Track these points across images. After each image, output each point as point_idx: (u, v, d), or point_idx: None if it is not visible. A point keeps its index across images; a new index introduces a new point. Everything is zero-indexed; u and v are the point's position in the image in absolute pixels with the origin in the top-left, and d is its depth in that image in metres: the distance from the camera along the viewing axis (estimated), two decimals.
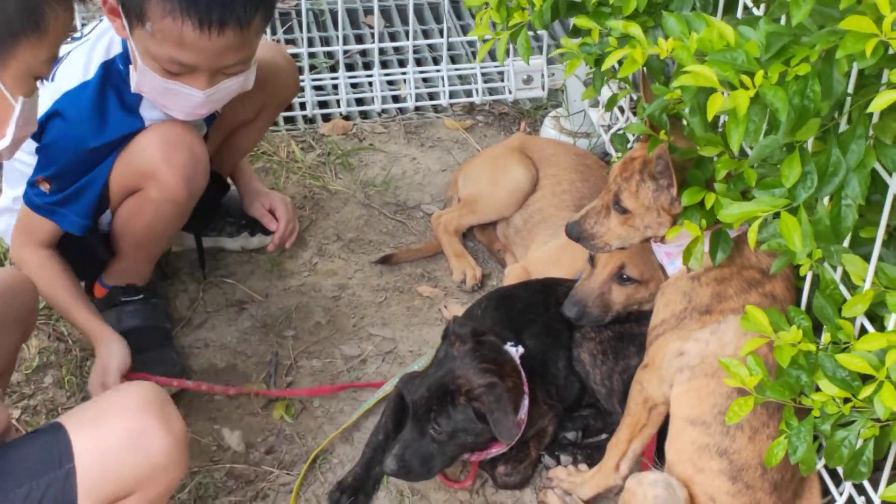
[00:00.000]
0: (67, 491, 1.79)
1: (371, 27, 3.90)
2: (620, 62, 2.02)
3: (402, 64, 3.70)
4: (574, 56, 2.45)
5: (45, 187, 2.39)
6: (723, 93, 1.58)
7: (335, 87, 3.57)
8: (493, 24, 2.66)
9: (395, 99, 3.61)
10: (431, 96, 3.63)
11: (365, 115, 3.57)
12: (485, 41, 2.68)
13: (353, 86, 3.61)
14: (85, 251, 2.55)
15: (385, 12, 4.01)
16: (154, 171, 2.37)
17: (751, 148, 2.11)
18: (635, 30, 1.75)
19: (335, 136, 3.43)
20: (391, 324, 2.84)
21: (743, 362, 1.95)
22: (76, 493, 1.79)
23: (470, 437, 2.28)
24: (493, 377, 2.25)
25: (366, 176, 3.31)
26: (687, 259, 2.15)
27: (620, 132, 3.07)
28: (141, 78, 2.29)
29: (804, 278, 2.13)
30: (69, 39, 2.42)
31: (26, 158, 2.46)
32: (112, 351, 2.44)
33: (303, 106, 3.50)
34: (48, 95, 2.33)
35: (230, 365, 2.72)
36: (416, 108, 3.59)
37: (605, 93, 3.08)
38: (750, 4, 2.23)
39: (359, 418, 2.57)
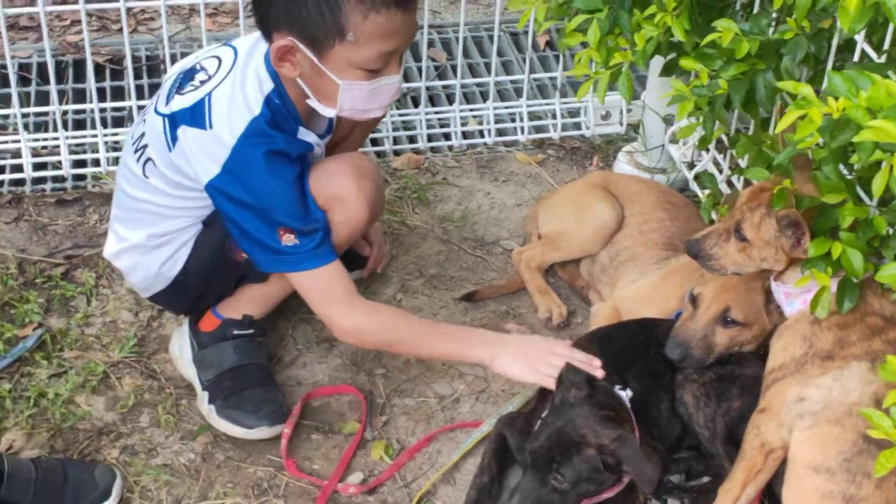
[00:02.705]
0: None
1: (434, 60, 3.91)
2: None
3: (475, 98, 3.71)
4: (685, 99, 2.45)
5: (290, 239, 2.39)
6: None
7: (402, 122, 3.59)
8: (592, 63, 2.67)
9: (468, 135, 3.61)
10: (503, 132, 3.63)
11: (435, 149, 3.56)
12: (583, 79, 2.69)
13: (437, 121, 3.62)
14: (219, 278, 2.58)
15: (445, 45, 4.03)
16: (346, 196, 2.46)
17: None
18: (806, 90, 1.74)
19: (409, 170, 3.43)
20: None
21: (873, 410, 1.94)
22: None
23: (593, 486, 2.26)
24: (617, 427, 2.23)
25: (442, 211, 3.30)
26: (814, 308, 2.14)
27: (706, 170, 3.07)
28: (345, 95, 2.35)
29: None
30: (196, 83, 2.42)
31: (160, 199, 2.49)
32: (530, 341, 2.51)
33: (375, 142, 3.50)
34: (217, 147, 2.35)
35: (324, 404, 2.70)
36: (485, 143, 3.59)
37: (682, 123, 3.09)
38: (869, 50, 2.24)
39: (458, 459, 2.55)
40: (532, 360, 2.44)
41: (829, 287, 2.13)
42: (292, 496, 2.48)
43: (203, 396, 2.63)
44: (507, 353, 2.45)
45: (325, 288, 2.44)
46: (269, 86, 2.40)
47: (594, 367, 2.41)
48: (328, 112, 2.41)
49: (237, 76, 2.41)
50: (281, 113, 2.41)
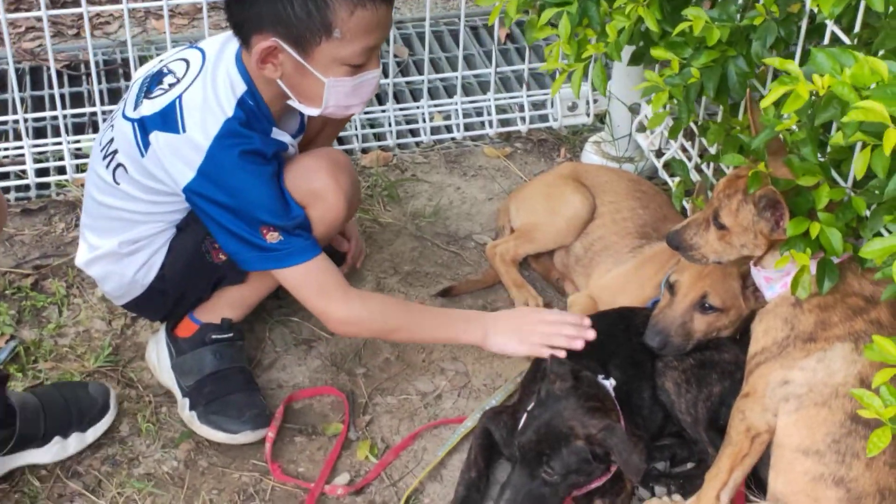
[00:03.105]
0: None
1: (397, 56, 3.89)
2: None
3: (439, 94, 3.70)
4: (660, 89, 2.46)
5: (274, 236, 2.37)
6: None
7: (369, 120, 3.57)
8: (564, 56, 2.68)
9: (434, 130, 3.60)
10: (470, 126, 3.62)
11: (403, 145, 3.55)
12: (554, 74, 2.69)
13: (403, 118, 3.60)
14: (196, 282, 2.56)
15: (406, 40, 4.01)
16: (323, 191, 2.45)
17: (856, 179, 2.15)
18: (792, 66, 1.75)
19: (378, 167, 3.41)
20: (461, 357, 2.82)
21: (863, 391, 1.96)
22: None
23: (582, 476, 2.27)
24: (604, 417, 2.24)
25: (414, 207, 3.29)
26: (795, 288, 2.16)
27: (676, 158, 3.09)
28: (330, 92, 2.35)
29: None
30: (164, 86, 2.39)
31: (131, 205, 2.47)
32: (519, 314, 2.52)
33: (342, 141, 3.49)
34: (191, 150, 2.33)
35: (306, 406, 2.68)
36: (452, 138, 3.58)
37: (649, 112, 3.11)
38: (839, 32, 2.26)
39: (444, 455, 2.55)
40: (524, 334, 2.45)
41: (808, 267, 2.15)
42: (279, 500, 2.46)
43: (184, 403, 2.60)
44: (498, 331, 2.46)
45: (316, 281, 2.42)
46: (241, 87, 2.38)
47: (585, 327, 2.43)
48: (312, 111, 2.40)
49: (207, 78, 2.38)
50: (254, 114, 2.39)
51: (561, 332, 2.44)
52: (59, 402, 2.50)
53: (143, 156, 2.39)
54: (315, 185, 2.46)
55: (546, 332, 2.42)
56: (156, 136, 2.35)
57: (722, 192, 2.29)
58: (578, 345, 2.42)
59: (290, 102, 2.41)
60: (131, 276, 2.55)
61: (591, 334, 2.42)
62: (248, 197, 2.33)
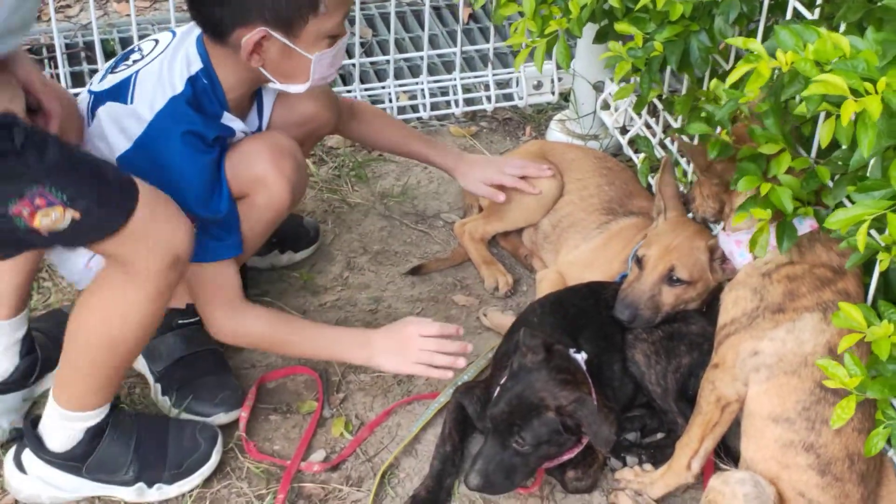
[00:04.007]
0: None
1: (362, 37, 3.90)
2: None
3: (403, 73, 3.71)
4: (622, 60, 2.49)
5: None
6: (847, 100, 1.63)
7: None
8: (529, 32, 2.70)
9: (400, 110, 3.61)
10: (436, 106, 3.63)
11: None
12: (518, 49, 2.72)
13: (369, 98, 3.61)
14: None
15: (370, 21, 4.02)
16: (264, 177, 2.42)
17: (821, 149, 2.19)
18: (755, 45, 1.78)
19: (344, 147, 3.42)
20: None
21: (830, 360, 2.01)
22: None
23: (553, 447, 2.31)
24: (574, 389, 2.28)
25: (382, 187, 3.31)
26: (753, 247, 2.20)
27: (641, 135, 3.13)
28: (315, 67, 2.37)
29: (871, 274, 2.20)
30: (129, 62, 2.39)
31: None
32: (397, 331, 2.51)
33: None
34: (133, 122, 2.32)
35: (280, 385, 2.70)
36: (419, 118, 3.59)
37: (613, 89, 3.14)
38: (801, 7, 2.30)
39: (418, 431, 2.58)
40: (402, 351, 2.46)
41: (767, 227, 2.19)
42: (255, 478, 2.48)
43: (156, 388, 2.60)
44: (381, 350, 2.47)
45: (215, 285, 2.42)
46: (197, 66, 2.37)
47: (463, 348, 2.49)
48: (298, 89, 2.40)
49: (167, 56, 2.39)
50: (206, 94, 2.38)
51: (443, 349, 2.46)
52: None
53: (89, 125, 2.39)
54: (256, 171, 2.44)
55: (428, 349, 2.45)
56: (104, 107, 2.36)
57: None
58: (461, 363, 2.47)
59: (271, 86, 2.42)
60: (84, 263, 2.50)
61: (470, 348, 2.49)
62: (175, 178, 2.29)
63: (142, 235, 2.09)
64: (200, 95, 2.37)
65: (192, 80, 2.35)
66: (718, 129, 2.28)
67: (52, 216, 1.98)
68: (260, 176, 2.45)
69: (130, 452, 2.37)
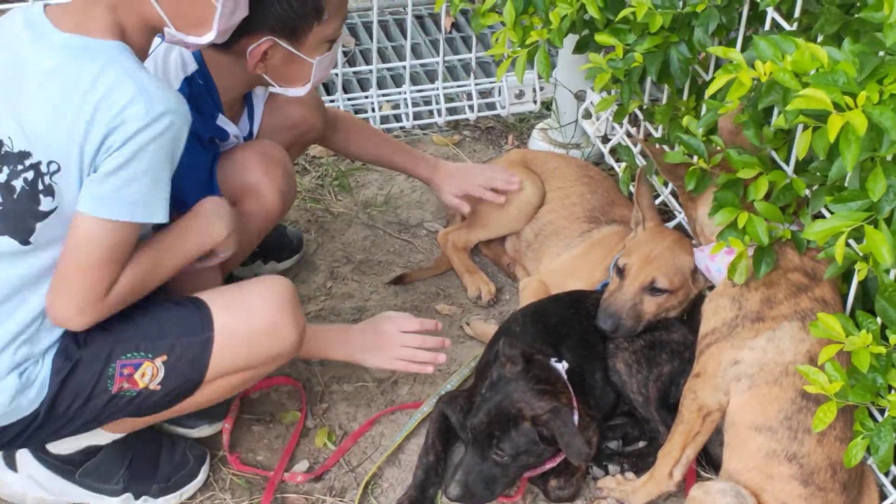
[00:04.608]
0: (202, 356, 2.16)
1: (345, 46, 3.91)
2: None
3: (386, 83, 3.73)
4: (602, 71, 2.51)
5: None
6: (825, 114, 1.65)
7: None
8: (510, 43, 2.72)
9: (384, 119, 3.62)
10: (419, 115, 3.64)
11: None
12: (500, 60, 2.73)
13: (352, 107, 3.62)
14: None
15: (352, 30, 4.03)
16: (256, 185, 2.45)
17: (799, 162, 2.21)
18: (735, 55, 1.80)
19: (327, 157, 3.43)
20: None
21: (809, 367, 2.03)
22: (209, 360, 2.16)
23: (532, 458, 2.32)
24: (552, 399, 2.29)
25: (365, 196, 3.31)
26: (732, 274, 2.22)
27: (622, 144, 3.14)
28: (317, 69, 2.40)
29: (850, 282, 2.22)
30: None
31: None
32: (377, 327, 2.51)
33: None
34: None
35: (263, 396, 2.70)
36: (402, 127, 3.60)
37: (595, 99, 3.16)
38: (779, 19, 2.32)
39: (401, 441, 2.58)
40: (382, 347, 2.47)
41: (745, 254, 2.21)
42: (238, 489, 2.48)
43: None
44: (358, 347, 2.48)
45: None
46: (192, 67, 2.39)
47: (437, 329, 2.50)
48: (299, 92, 2.43)
49: (159, 56, 2.39)
50: (203, 95, 2.41)
51: (423, 344, 2.48)
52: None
53: None
54: (247, 179, 2.47)
55: (409, 345, 2.47)
56: None
57: None
58: (442, 359, 2.49)
59: (272, 90, 2.46)
60: None
61: (448, 342, 2.52)
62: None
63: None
64: (197, 96, 2.38)
65: (188, 81, 2.37)
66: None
67: (147, 374, 2.14)
68: (251, 184, 2.47)
69: (125, 464, 2.38)
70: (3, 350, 2.07)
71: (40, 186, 2.01)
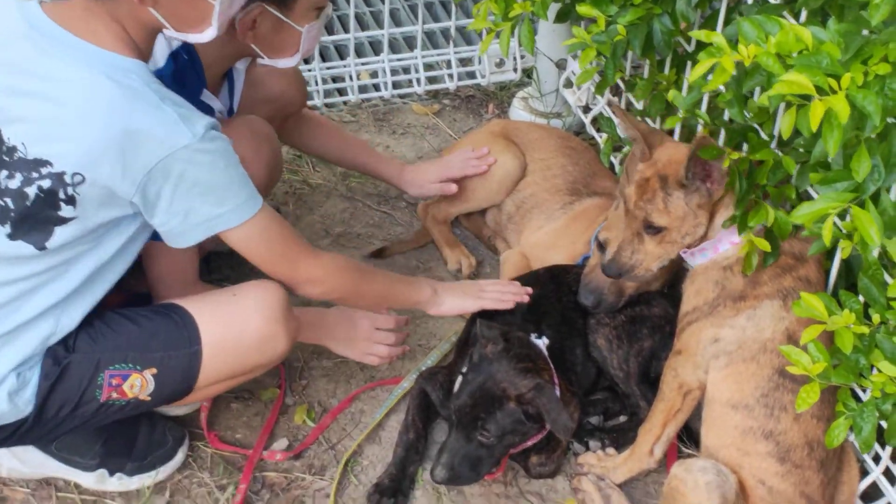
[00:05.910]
0: (191, 368, 2.17)
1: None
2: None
3: (364, 51, 3.67)
4: (587, 46, 2.47)
5: None
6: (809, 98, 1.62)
7: None
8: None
9: (362, 88, 3.57)
10: (398, 84, 3.60)
11: (330, 104, 3.52)
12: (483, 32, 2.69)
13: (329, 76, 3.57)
14: None
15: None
16: (243, 160, 2.35)
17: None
18: (719, 39, 1.76)
19: None
20: None
21: (791, 347, 2.02)
22: (198, 372, 2.17)
23: (517, 437, 2.31)
24: (535, 377, 2.27)
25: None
26: (748, 268, 2.19)
27: (603, 115, 3.11)
28: (305, 38, 2.39)
29: (832, 260, 2.21)
30: None
31: None
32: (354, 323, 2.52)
33: None
34: None
35: None
36: (381, 97, 3.56)
37: (576, 67, 3.11)
38: None
39: (381, 417, 2.56)
40: (355, 341, 2.50)
41: (755, 248, 2.18)
42: (217, 467, 2.46)
43: None
44: (329, 335, 2.49)
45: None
46: (177, 42, 2.35)
47: (400, 337, 2.54)
48: (288, 63, 2.43)
49: None
50: (187, 70, 2.38)
51: (387, 340, 2.51)
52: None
53: None
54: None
55: (381, 341, 2.50)
56: None
57: (639, 199, 2.29)
58: (399, 351, 2.55)
59: (261, 62, 2.43)
60: None
61: (399, 350, 2.55)
62: None
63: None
64: (181, 71, 2.36)
65: (173, 56, 2.34)
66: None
67: (136, 385, 2.16)
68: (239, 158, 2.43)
69: (101, 440, 2.36)
70: (5, 350, 2.09)
71: (62, 196, 2.00)
